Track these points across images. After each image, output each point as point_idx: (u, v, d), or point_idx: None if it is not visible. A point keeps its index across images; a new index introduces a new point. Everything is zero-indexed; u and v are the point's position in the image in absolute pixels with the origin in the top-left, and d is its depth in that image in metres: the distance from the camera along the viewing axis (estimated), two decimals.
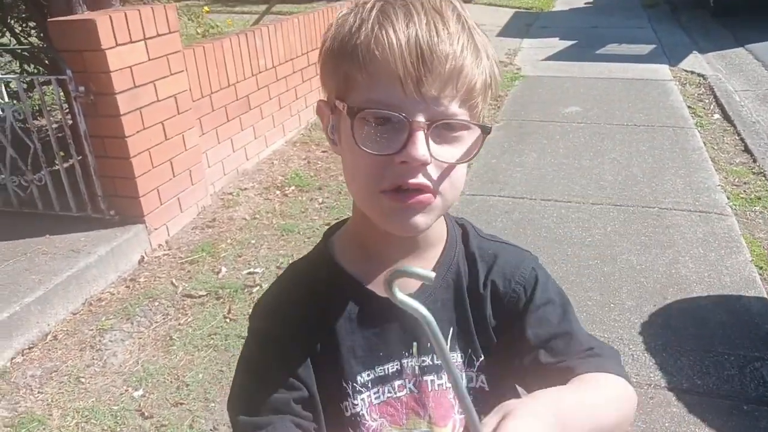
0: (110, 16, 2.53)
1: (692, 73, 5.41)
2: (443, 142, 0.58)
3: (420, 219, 0.60)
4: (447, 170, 0.59)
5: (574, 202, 3.12)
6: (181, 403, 1.93)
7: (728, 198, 3.09)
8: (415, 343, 0.68)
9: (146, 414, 1.90)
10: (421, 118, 0.56)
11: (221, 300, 2.38)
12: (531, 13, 8.76)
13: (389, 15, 0.58)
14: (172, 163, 2.93)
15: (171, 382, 2.02)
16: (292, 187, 3.32)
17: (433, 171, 0.58)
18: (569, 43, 6.72)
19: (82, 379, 2.04)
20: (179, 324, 2.27)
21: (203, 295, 2.41)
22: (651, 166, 3.48)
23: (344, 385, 0.66)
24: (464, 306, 0.69)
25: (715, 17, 7.88)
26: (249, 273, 2.54)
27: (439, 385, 0.68)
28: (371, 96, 0.57)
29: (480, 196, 3.22)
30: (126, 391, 1.99)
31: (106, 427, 1.86)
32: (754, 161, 3.55)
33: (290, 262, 0.79)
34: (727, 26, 7.41)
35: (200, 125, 3.21)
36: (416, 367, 0.68)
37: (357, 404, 0.66)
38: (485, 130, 0.60)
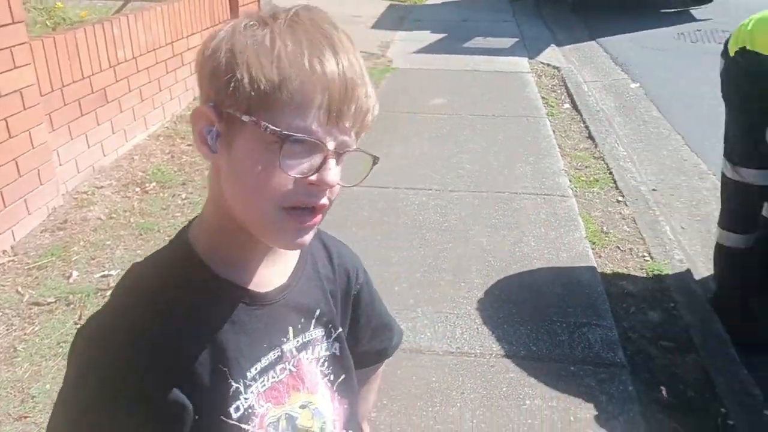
0: None
1: (548, 65, 5.82)
2: (339, 167, 0.66)
3: (308, 237, 0.67)
4: (338, 191, 0.67)
5: (434, 189, 3.29)
6: (26, 417, 1.85)
7: (570, 181, 3.40)
8: (290, 328, 0.75)
9: None
10: (332, 146, 0.63)
11: (72, 306, 2.29)
12: (405, 6, 8.97)
13: (318, 47, 0.62)
14: (18, 163, 2.76)
15: (15, 395, 1.92)
16: (153, 184, 3.23)
17: (329, 192, 0.65)
18: (439, 36, 6.97)
19: None
20: (25, 334, 2.16)
21: (52, 302, 2.30)
22: (505, 154, 3.73)
23: (235, 385, 0.69)
24: (324, 289, 0.80)
25: (574, 12, 8.49)
26: (102, 276, 2.45)
27: (308, 359, 0.77)
28: (296, 122, 0.61)
29: (348, 187, 3.30)
30: None
31: None
32: (596, 146, 3.91)
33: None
34: (584, 21, 8.01)
35: (50, 121, 3.03)
36: (293, 349, 0.75)
37: (248, 398, 0.70)
38: (376, 160, 0.69)
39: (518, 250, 2.73)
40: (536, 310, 2.35)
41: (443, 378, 2.04)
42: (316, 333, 0.78)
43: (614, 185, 3.40)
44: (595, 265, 2.64)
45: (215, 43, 0.64)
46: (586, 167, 3.62)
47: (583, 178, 3.46)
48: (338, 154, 0.64)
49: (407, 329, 2.26)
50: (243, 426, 0.69)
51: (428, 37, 6.96)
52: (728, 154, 2.36)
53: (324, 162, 0.62)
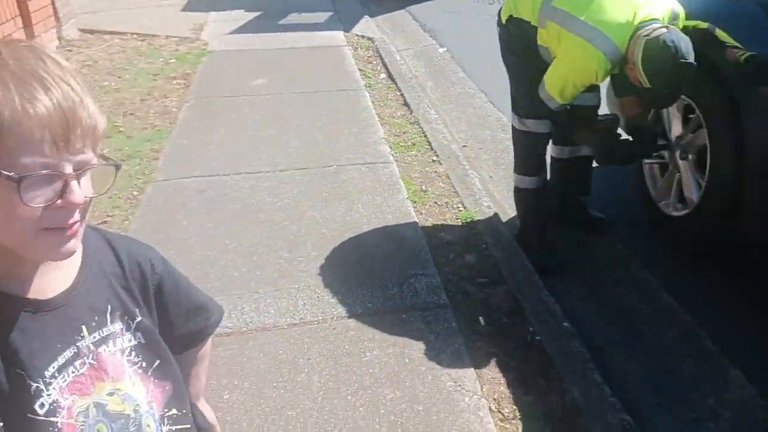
0: None
1: (363, 37, 6.02)
2: (82, 180, 0.72)
3: (73, 244, 0.74)
4: (89, 201, 0.74)
5: (264, 171, 3.37)
6: None
7: (390, 148, 3.65)
8: (84, 326, 0.82)
9: None
10: (70, 170, 0.69)
11: None
12: None
13: (27, 87, 0.67)
14: None
15: None
16: None
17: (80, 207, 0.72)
18: (254, 14, 6.88)
19: None
20: None
21: None
22: (329, 129, 3.89)
23: (34, 384, 0.75)
24: (113, 285, 0.87)
25: None
26: None
27: (110, 351, 0.84)
28: (24, 160, 0.67)
29: (173, 180, 3.26)
30: None
31: None
32: (411, 113, 4.20)
33: None
34: None
35: None
36: (90, 345, 0.82)
37: (51, 394, 0.77)
38: (118, 167, 0.77)
39: (349, 218, 2.92)
40: (369, 270, 2.56)
41: (290, 349, 2.18)
42: (114, 327, 0.86)
43: (429, 147, 3.71)
44: (417, 222, 2.91)
45: None
46: (403, 133, 3.89)
47: (401, 144, 3.73)
48: (78, 173, 0.71)
49: (252, 311, 2.36)
50: (51, 419, 0.77)
51: (243, 16, 6.85)
52: (515, 108, 2.72)
53: (65, 186, 0.70)
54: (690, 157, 2.63)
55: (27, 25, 4.88)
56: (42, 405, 0.76)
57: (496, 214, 3.02)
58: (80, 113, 0.70)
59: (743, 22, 2.34)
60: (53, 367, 0.78)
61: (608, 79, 2.60)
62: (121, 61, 5.17)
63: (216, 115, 4.09)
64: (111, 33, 5.87)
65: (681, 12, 2.34)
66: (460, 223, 2.95)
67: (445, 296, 2.44)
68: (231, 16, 6.85)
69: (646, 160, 2.88)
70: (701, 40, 2.35)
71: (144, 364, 0.89)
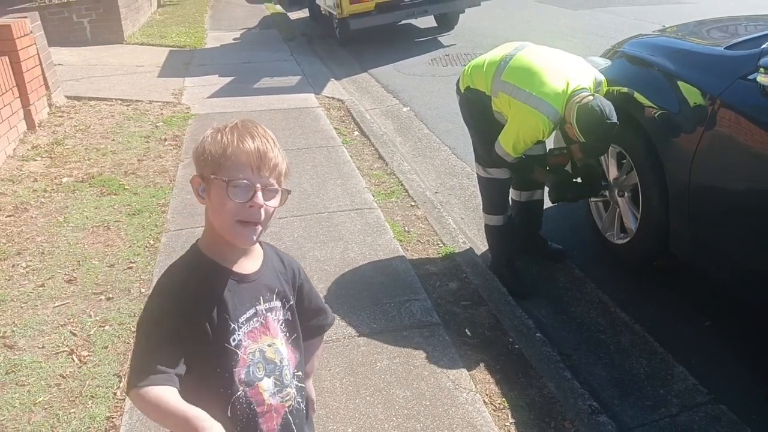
0: None
1: (333, 98, 6.58)
2: (268, 198, 1.19)
3: (256, 237, 1.19)
4: (269, 212, 1.21)
5: None
6: None
7: (373, 196, 4.13)
8: (261, 297, 1.27)
9: None
10: (259, 186, 1.16)
11: None
12: (186, 52, 9.17)
13: (243, 136, 1.17)
14: None
15: None
16: None
17: (263, 212, 1.16)
18: (228, 79, 7.38)
19: None
20: None
21: None
22: (316, 181, 4.36)
23: (232, 325, 1.18)
24: (279, 277, 1.32)
25: (342, 47, 9.45)
26: None
27: (272, 318, 1.29)
28: (236, 174, 1.14)
29: (185, 230, 3.64)
30: None
31: None
32: (387, 165, 4.72)
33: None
34: (353, 54, 8.97)
35: None
36: (263, 310, 1.27)
37: (239, 335, 1.19)
38: (288, 192, 1.25)
39: (346, 256, 3.36)
40: (369, 297, 2.99)
41: None
42: (276, 303, 1.30)
43: (407, 194, 4.21)
44: (405, 256, 3.37)
45: (199, 145, 1.22)
46: (382, 183, 4.39)
47: (382, 192, 4.22)
48: (263, 189, 1.18)
49: None
50: (236, 351, 1.21)
51: (218, 80, 7.33)
52: (478, 160, 3.23)
53: (254, 194, 1.16)
54: (626, 194, 3.20)
55: (22, 94, 5.21)
56: (233, 340, 1.20)
57: (471, 249, 3.51)
58: (270, 155, 1.19)
59: (653, 87, 2.95)
60: (244, 318, 1.23)
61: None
62: (111, 126, 5.53)
63: None
64: (96, 99, 6.24)
65: (603, 79, 2.92)
66: (441, 257, 3.42)
67: (437, 316, 2.88)
68: (206, 81, 7.33)
69: (592, 199, 3.45)
70: (624, 101, 2.97)
71: (287, 334, 1.32)
